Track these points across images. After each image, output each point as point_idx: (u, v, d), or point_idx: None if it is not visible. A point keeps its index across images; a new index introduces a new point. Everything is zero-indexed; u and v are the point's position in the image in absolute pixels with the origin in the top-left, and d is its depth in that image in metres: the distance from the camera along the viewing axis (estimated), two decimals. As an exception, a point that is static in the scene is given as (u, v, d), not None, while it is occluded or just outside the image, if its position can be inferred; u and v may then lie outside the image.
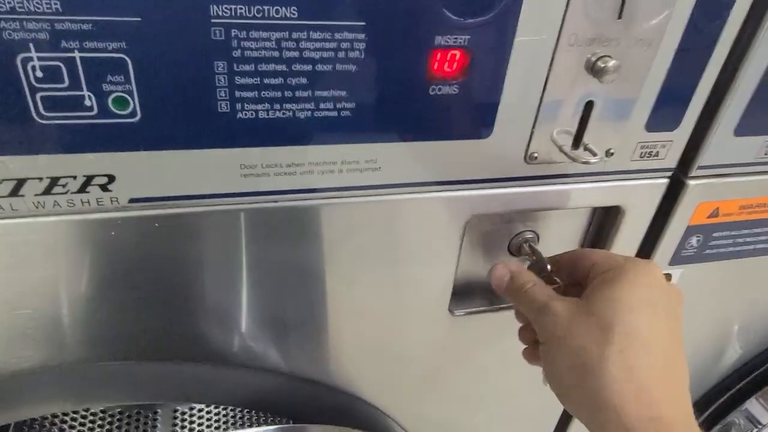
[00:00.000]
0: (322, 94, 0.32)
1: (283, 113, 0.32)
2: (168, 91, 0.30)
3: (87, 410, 0.59)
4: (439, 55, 0.32)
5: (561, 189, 0.41)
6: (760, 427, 0.68)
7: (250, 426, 0.57)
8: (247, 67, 0.30)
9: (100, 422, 0.59)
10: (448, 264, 0.42)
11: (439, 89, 0.33)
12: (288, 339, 0.43)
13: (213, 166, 0.33)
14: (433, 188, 0.38)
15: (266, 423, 0.58)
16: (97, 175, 0.31)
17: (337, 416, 0.50)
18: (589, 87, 0.36)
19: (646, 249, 0.48)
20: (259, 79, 0.30)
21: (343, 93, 0.32)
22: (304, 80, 0.31)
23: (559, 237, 0.46)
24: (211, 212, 0.34)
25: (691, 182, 0.43)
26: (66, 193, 0.31)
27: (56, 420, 0.57)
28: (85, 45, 0.27)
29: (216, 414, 0.61)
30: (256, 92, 0.31)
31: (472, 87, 0.34)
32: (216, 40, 0.29)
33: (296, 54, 0.30)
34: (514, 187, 0.39)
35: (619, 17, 0.33)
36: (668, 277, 0.50)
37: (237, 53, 0.29)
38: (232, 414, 0.60)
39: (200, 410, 0.61)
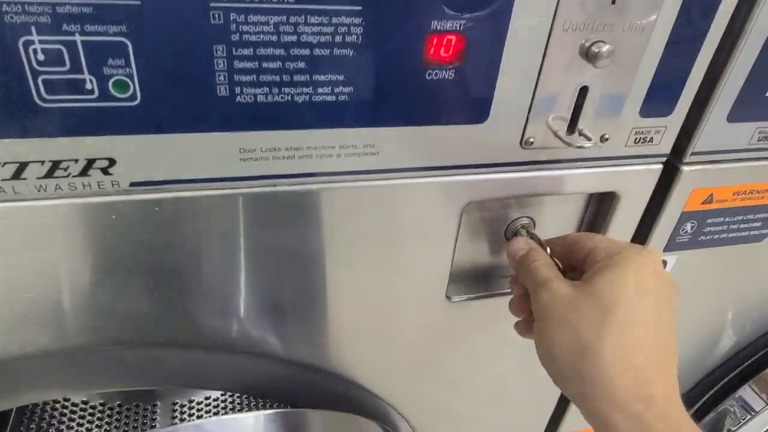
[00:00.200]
0: (320, 78, 0.32)
1: (282, 97, 0.32)
2: (168, 74, 0.30)
3: (86, 402, 0.60)
4: (435, 40, 0.33)
5: (557, 174, 0.41)
6: (753, 413, 0.68)
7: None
8: (245, 51, 0.30)
9: (99, 414, 0.60)
10: (445, 249, 0.43)
11: (436, 74, 0.34)
12: (286, 324, 0.43)
13: (212, 150, 0.33)
14: (431, 173, 0.38)
15: (264, 409, 0.58)
16: (98, 159, 0.32)
17: (334, 402, 0.51)
18: (584, 72, 0.36)
19: (641, 235, 0.48)
20: (257, 63, 0.31)
21: (341, 77, 0.33)
22: (302, 64, 0.31)
23: (555, 223, 0.46)
24: (210, 196, 0.35)
25: (686, 168, 0.44)
26: (67, 176, 0.32)
27: (55, 413, 0.58)
28: (86, 28, 0.28)
29: (215, 406, 0.61)
30: (255, 76, 0.31)
31: (468, 72, 0.34)
32: (215, 24, 0.29)
33: (294, 38, 0.31)
34: (511, 172, 0.40)
35: (613, 2, 0.34)
36: (663, 263, 0.51)
37: (236, 37, 0.30)
38: (231, 405, 0.61)
39: (198, 402, 0.62)
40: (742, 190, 0.47)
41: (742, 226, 0.50)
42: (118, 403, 0.61)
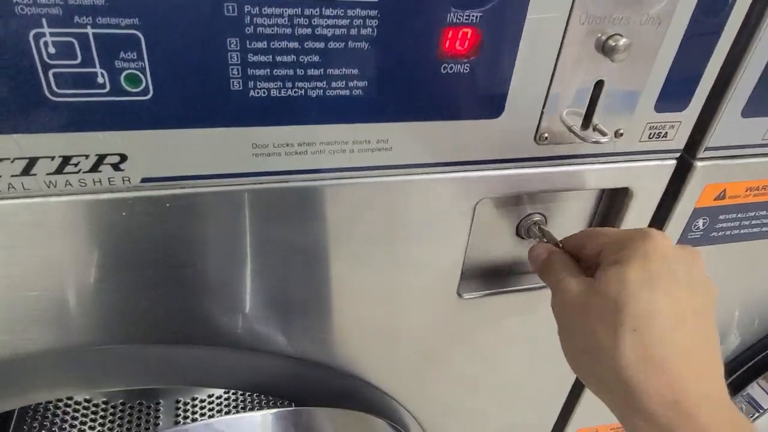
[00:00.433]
0: (334, 72, 0.32)
1: (295, 91, 0.32)
2: (180, 68, 0.29)
3: (89, 400, 0.59)
4: (450, 33, 0.32)
5: (570, 170, 0.41)
6: (762, 411, 0.68)
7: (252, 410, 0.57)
8: (259, 45, 0.30)
9: (102, 412, 0.60)
10: (457, 246, 0.42)
11: (451, 68, 0.33)
12: (297, 321, 0.43)
13: (225, 145, 0.33)
14: (444, 169, 0.38)
15: (268, 407, 0.58)
16: (110, 154, 0.31)
17: (343, 399, 0.50)
18: (600, 66, 0.36)
19: (653, 231, 0.48)
20: (271, 56, 0.30)
21: (355, 71, 0.32)
22: (316, 58, 0.31)
23: (566, 219, 0.46)
24: (222, 192, 0.34)
25: (699, 163, 0.43)
26: (78, 172, 0.31)
27: (58, 411, 0.57)
28: (98, 20, 0.27)
29: (218, 404, 0.61)
30: (269, 70, 0.31)
31: (484, 65, 0.34)
32: (229, 17, 0.28)
33: (309, 31, 0.30)
34: (524, 168, 0.39)
35: (631, -5, 0.33)
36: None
37: (250, 30, 0.29)
38: (234, 403, 0.60)
39: (202, 400, 0.62)
40: (755, 185, 0.47)
41: (754, 222, 0.50)
42: (121, 401, 0.61)
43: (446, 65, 0.33)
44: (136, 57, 0.28)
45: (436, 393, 0.54)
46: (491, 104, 0.36)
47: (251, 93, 0.31)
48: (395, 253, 0.41)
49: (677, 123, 0.40)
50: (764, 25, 0.37)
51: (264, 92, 0.31)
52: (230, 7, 0.28)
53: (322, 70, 0.31)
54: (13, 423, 0.54)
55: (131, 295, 0.37)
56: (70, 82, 0.28)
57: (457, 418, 0.58)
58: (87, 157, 0.31)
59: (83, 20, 0.27)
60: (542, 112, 0.37)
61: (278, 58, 0.30)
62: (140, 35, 0.28)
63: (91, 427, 0.57)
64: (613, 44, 0.34)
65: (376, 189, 0.37)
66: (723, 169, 0.45)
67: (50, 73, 0.28)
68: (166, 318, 0.39)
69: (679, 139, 0.42)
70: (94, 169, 0.31)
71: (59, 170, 0.31)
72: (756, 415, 0.69)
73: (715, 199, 0.46)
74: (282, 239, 0.38)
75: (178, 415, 0.61)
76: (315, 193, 0.36)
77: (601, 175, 0.42)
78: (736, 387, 0.70)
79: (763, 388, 0.68)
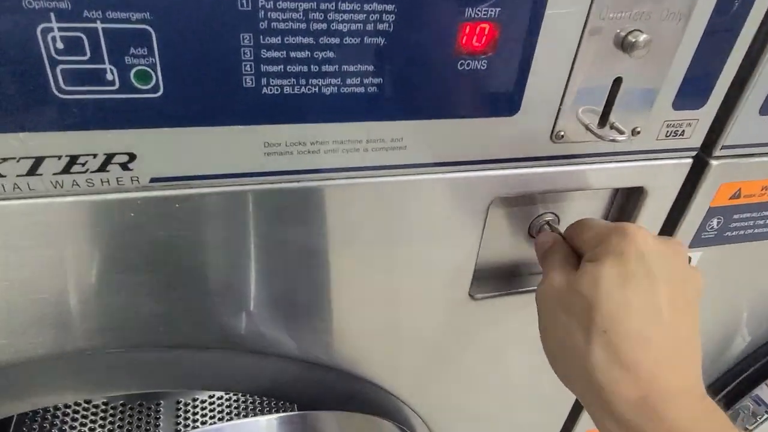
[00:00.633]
0: (349, 68, 0.31)
1: (309, 89, 0.31)
2: (192, 64, 0.29)
3: (89, 402, 0.58)
4: (468, 29, 0.31)
5: (586, 169, 0.40)
6: (771, 412, 0.68)
7: (254, 415, 0.57)
8: (273, 40, 0.29)
9: (102, 414, 0.59)
10: (470, 246, 0.42)
11: (468, 64, 0.33)
12: (307, 323, 0.42)
13: (236, 144, 0.32)
14: (459, 168, 0.37)
15: (270, 411, 0.57)
16: (118, 153, 0.30)
17: (351, 402, 0.50)
18: (618, 63, 0.35)
19: (666, 231, 0.47)
20: (285, 52, 0.29)
21: (371, 68, 0.31)
22: (331, 54, 0.30)
23: (579, 218, 0.45)
24: (233, 192, 0.34)
25: (715, 162, 0.43)
26: (85, 172, 0.30)
27: (58, 412, 0.56)
28: (108, 15, 0.26)
29: (219, 405, 0.60)
30: (283, 66, 0.30)
31: (501, 62, 0.33)
32: (243, 11, 0.28)
33: (324, 26, 0.29)
34: (540, 167, 0.39)
35: (652, -11, 0.33)
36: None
37: (264, 25, 0.28)
38: (235, 403, 0.60)
39: (203, 401, 0.61)
40: (770, 184, 0.46)
41: (768, 221, 0.49)
42: (121, 402, 0.60)
43: (463, 62, 0.32)
44: (146, 53, 0.28)
45: (445, 394, 0.54)
46: (508, 102, 0.35)
47: (264, 90, 0.30)
48: (408, 254, 0.40)
49: (695, 121, 0.40)
50: (784, 21, 0.36)
51: (277, 89, 0.30)
52: (244, 1, 0.27)
53: (336, 66, 0.31)
54: (13, 423, 0.53)
55: (138, 298, 0.36)
56: (78, 79, 0.27)
57: (465, 420, 0.57)
58: (95, 156, 0.30)
59: (93, 15, 0.26)
60: (559, 110, 0.36)
61: (292, 54, 0.30)
62: (151, 30, 0.27)
63: (91, 429, 0.56)
64: (633, 40, 0.33)
65: (390, 188, 0.36)
66: (738, 168, 0.44)
67: (58, 69, 0.27)
68: (174, 320, 0.38)
69: (696, 138, 0.41)
70: (102, 168, 0.30)
71: (66, 170, 0.30)
72: (766, 416, 0.69)
73: (729, 198, 0.46)
74: (294, 240, 0.37)
75: (179, 416, 0.60)
76: (328, 193, 0.35)
77: (616, 174, 0.41)
78: (744, 388, 0.69)
79: (772, 390, 0.68)
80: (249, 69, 0.29)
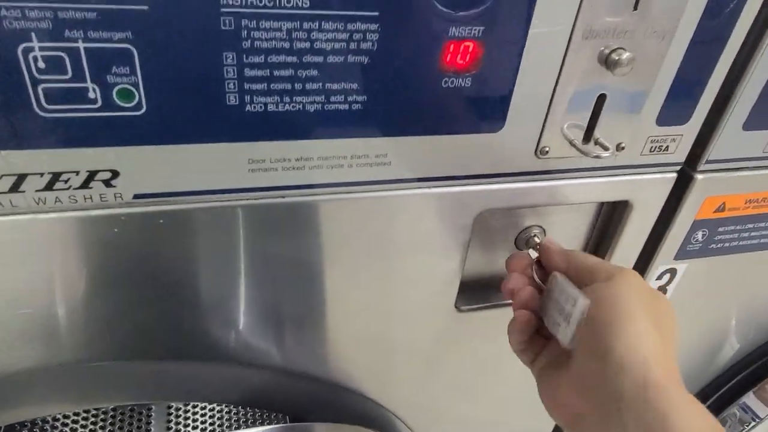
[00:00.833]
0: (333, 86, 0.31)
1: (293, 106, 0.31)
2: (175, 83, 0.29)
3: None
4: (452, 47, 0.32)
5: (571, 184, 0.40)
6: (758, 420, 0.68)
7: (246, 424, 0.57)
8: (256, 59, 0.29)
9: (93, 419, 0.58)
10: (455, 259, 0.42)
11: (452, 82, 0.33)
12: (296, 335, 0.42)
13: (220, 161, 0.32)
14: (443, 183, 0.37)
15: (260, 420, 0.57)
16: (101, 171, 0.30)
17: (339, 412, 0.50)
18: (602, 80, 0.35)
19: (652, 244, 0.47)
20: (268, 70, 0.29)
21: (355, 85, 0.31)
22: (314, 72, 0.30)
23: (565, 232, 0.45)
24: (217, 208, 0.34)
25: (699, 176, 0.43)
26: (68, 189, 0.30)
27: (48, 417, 0.56)
28: (90, 35, 0.26)
29: (210, 411, 0.60)
30: (266, 84, 0.30)
31: (485, 79, 0.33)
32: (226, 30, 0.28)
33: (307, 45, 0.29)
34: (524, 182, 0.39)
35: (635, 8, 0.33)
36: (672, 272, 0.50)
37: (247, 44, 0.28)
38: (227, 411, 0.60)
39: (194, 406, 0.61)
40: (754, 198, 0.46)
41: (753, 234, 0.49)
42: (112, 408, 0.60)
43: (447, 79, 0.32)
44: (128, 72, 0.28)
45: (433, 404, 0.54)
46: (492, 118, 0.35)
47: (248, 108, 0.30)
48: (394, 267, 0.40)
49: (679, 136, 0.40)
50: (766, 40, 0.37)
51: (261, 107, 0.30)
52: (227, 21, 0.27)
53: (320, 84, 0.31)
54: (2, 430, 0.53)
55: (124, 312, 0.36)
56: (60, 98, 0.27)
57: (453, 429, 0.58)
58: (77, 173, 0.30)
59: (74, 34, 0.26)
60: (543, 126, 0.36)
61: (276, 73, 0.30)
62: (133, 49, 0.27)
63: (82, 434, 0.56)
64: (617, 58, 0.34)
65: (375, 204, 0.37)
66: (723, 182, 0.44)
67: (39, 88, 0.27)
68: (160, 334, 0.38)
69: (680, 153, 0.41)
70: (85, 185, 0.30)
71: (49, 187, 0.30)
72: (753, 424, 0.69)
73: (714, 212, 0.46)
74: (279, 255, 0.37)
75: (170, 421, 0.60)
76: (312, 209, 0.35)
77: (601, 189, 0.41)
78: (732, 395, 0.70)
79: (758, 398, 0.68)
80: (232, 87, 0.29)
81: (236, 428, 0.55)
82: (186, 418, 0.59)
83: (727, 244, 0.49)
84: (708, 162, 0.42)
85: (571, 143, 0.37)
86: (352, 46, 0.30)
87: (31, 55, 0.26)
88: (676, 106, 0.38)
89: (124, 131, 0.29)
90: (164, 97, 0.29)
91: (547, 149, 0.37)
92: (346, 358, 0.46)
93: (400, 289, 0.42)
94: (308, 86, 0.31)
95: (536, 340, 0.38)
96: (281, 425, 0.47)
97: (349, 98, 0.32)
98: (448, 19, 0.30)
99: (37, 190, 0.30)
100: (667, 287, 0.51)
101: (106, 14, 0.26)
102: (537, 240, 0.44)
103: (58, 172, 0.30)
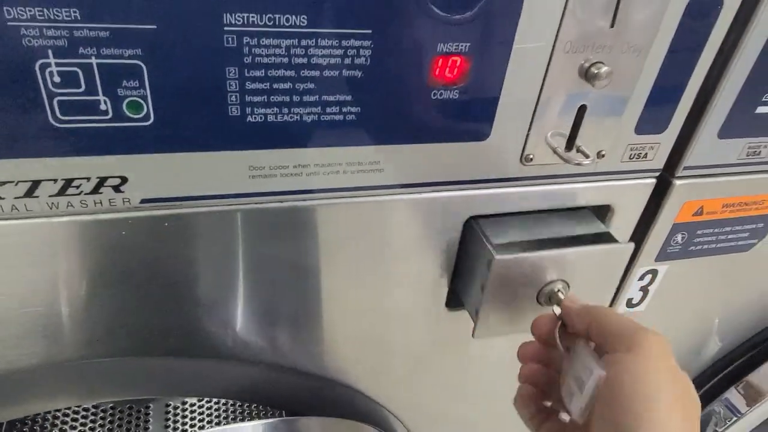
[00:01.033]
0: (329, 98, 0.33)
1: (291, 117, 0.33)
2: (181, 95, 0.30)
3: (79, 405, 0.60)
4: (440, 62, 0.34)
5: (555, 189, 0.42)
6: (740, 415, 0.70)
7: (243, 419, 0.58)
8: (257, 73, 0.31)
9: (92, 417, 0.60)
10: (446, 261, 0.44)
11: (441, 93, 0.35)
12: (294, 333, 0.44)
13: (222, 168, 0.34)
14: (433, 188, 0.39)
15: (257, 416, 0.59)
16: (110, 177, 0.32)
17: (336, 408, 0.51)
18: (583, 91, 0.37)
19: (634, 246, 0.49)
20: (268, 84, 0.31)
21: (349, 97, 0.33)
22: (311, 85, 0.32)
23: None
24: (219, 212, 0.36)
25: (678, 182, 0.45)
26: (79, 194, 0.32)
27: (48, 415, 0.58)
28: (102, 51, 0.28)
29: (208, 409, 0.62)
30: (266, 97, 0.32)
31: (472, 91, 0.35)
32: (228, 47, 0.30)
33: (305, 60, 0.31)
34: (510, 187, 0.41)
35: (612, 26, 0.35)
36: (654, 273, 0.52)
37: (248, 59, 0.30)
38: (224, 407, 0.61)
39: (192, 404, 0.62)
40: (731, 202, 0.49)
41: (730, 236, 0.52)
42: (111, 405, 0.61)
43: (436, 91, 0.35)
44: (138, 85, 0.30)
45: (426, 402, 0.56)
46: (479, 128, 0.37)
47: (249, 118, 0.32)
48: (387, 269, 0.43)
49: (656, 144, 0.42)
50: (739, 53, 0.39)
51: (261, 118, 0.32)
52: (230, 39, 0.29)
53: (317, 96, 0.33)
54: (2, 429, 0.54)
55: (130, 310, 0.38)
56: (73, 109, 0.29)
57: (445, 425, 0.60)
58: (89, 179, 0.32)
59: (88, 51, 0.28)
60: (528, 135, 0.38)
61: (275, 86, 0.32)
62: (142, 65, 0.29)
63: None
64: (596, 71, 0.36)
65: (368, 208, 0.39)
66: (700, 187, 0.46)
67: (55, 100, 0.29)
68: (164, 331, 0.40)
69: (658, 159, 0.43)
70: (95, 190, 0.32)
71: (61, 192, 0.32)
72: (734, 419, 0.72)
73: (693, 215, 0.48)
74: (277, 257, 0.39)
75: (168, 419, 0.61)
76: (309, 213, 0.37)
77: (583, 193, 0.43)
78: (715, 392, 0.72)
79: (740, 394, 0.70)
80: (234, 99, 0.31)
81: (234, 422, 0.56)
82: (184, 410, 0.61)
83: (705, 246, 0.52)
84: (686, 168, 0.45)
85: (554, 151, 0.39)
86: (347, 61, 0.32)
87: (47, 71, 0.28)
88: (653, 116, 0.40)
89: (132, 140, 0.31)
90: (171, 109, 0.31)
91: (531, 157, 0.40)
92: (341, 356, 0.48)
93: (393, 290, 0.44)
94: (305, 98, 0.33)
95: (543, 409, 0.37)
96: (277, 419, 0.48)
97: (344, 109, 0.34)
98: (436, 36, 0.33)
99: (50, 196, 0.32)
100: (649, 288, 0.53)
101: (117, 33, 0.28)
102: (561, 296, 0.40)
103: (70, 179, 0.32)
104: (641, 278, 0.52)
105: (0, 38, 0.26)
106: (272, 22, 0.29)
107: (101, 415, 0.60)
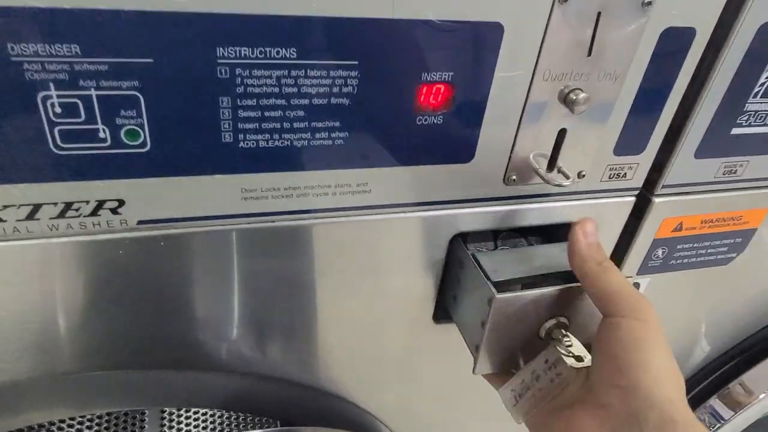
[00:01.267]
0: (318, 125, 0.35)
1: (282, 142, 0.35)
2: (176, 123, 0.32)
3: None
4: (425, 89, 0.35)
5: (537, 207, 0.44)
6: (723, 421, 0.72)
7: (238, 429, 0.60)
8: (249, 102, 0.32)
9: (88, 423, 0.61)
10: (431, 276, 0.45)
11: (425, 119, 0.36)
12: (286, 346, 0.45)
13: (216, 191, 0.35)
14: (420, 208, 0.41)
15: (252, 425, 0.60)
16: (108, 200, 0.34)
17: (328, 418, 0.53)
18: (562, 116, 0.39)
19: (616, 260, 0.51)
20: (260, 112, 0.33)
21: (337, 123, 0.35)
22: (301, 113, 0.34)
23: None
24: (213, 232, 0.37)
25: (657, 200, 0.47)
26: (79, 216, 0.34)
27: (45, 423, 0.59)
28: (101, 83, 0.30)
29: (203, 413, 0.63)
30: (257, 124, 0.33)
31: (456, 117, 0.37)
32: (221, 78, 0.31)
33: (294, 90, 0.33)
34: (494, 206, 0.42)
35: (589, 55, 0.36)
36: (636, 285, 0.54)
37: (240, 89, 0.32)
38: (218, 416, 0.62)
39: (186, 410, 0.63)
40: (709, 218, 0.50)
41: (709, 251, 0.53)
42: (107, 412, 0.62)
43: (421, 117, 0.36)
44: (135, 114, 0.31)
45: (416, 411, 0.57)
46: (463, 151, 0.39)
47: (241, 144, 0.34)
48: (376, 284, 0.44)
49: (635, 165, 0.44)
50: (712, 78, 0.41)
51: (253, 144, 0.34)
52: (223, 70, 0.31)
53: (306, 123, 0.34)
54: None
55: (127, 325, 0.40)
56: (73, 138, 0.31)
57: (434, 433, 0.61)
58: (87, 202, 0.33)
59: (87, 83, 0.29)
60: (510, 157, 0.40)
61: (266, 114, 0.33)
62: (140, 95, 0.31)
63: (77, 439, 0.58)
64: (574, 98, 0.37)
65: (357, 227, 0.40)
66: (679, 204, 0.48)
67: (56, 129, 0.30)
68: (160, 345, 0.42)
69: (637, 179, 0.45)
70: (94, 213, 0.34)
71: (61, 215, 0.33)
72: (717, 426, 0.73)
73: (672, 231, 0.50)
74: (270, 273, 0.40)
75: (163, 426, 0.63)
76: (299, 232, 0.39)
77: (566, 211, 0.45)
78: (699, 399, 0.74)
79: (722, 403, 0.72)
80: (227, 126, 0.33)
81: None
82: (179, 417, 0.62)
83: (686, 260, 0.53)
84: (664, 187, 0.46)
85: (536, 172, 0.41)
86: (335, 90, 0.33)
87: (49, 102, 0.29)
88: (630, 138, 0.42)
89: (130, 166, 0.33)
90: (167, 136, 0.32)
91: (514, 177, 0.41)
92: (333, 367, 0.49)
93: (383, 304, 0.46)
94: (295, 125, 0.34)
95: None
96: (270, 430, 0.50)
97: (332, 135, 0.35)
98: (420, 65, 0.34)
99: (50, 218, 0.33)
100: (631, 300, 0.55)
101: (115, 66, 0.29)
102: (560, 334, 0.40)
103: (70, 202, 0.33)
104: (624, 291, 0.54)
105: (5, 72, 0.28)
106: (263, 54, 0.31)
107: (97, 422, 0.61)
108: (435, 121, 0.37)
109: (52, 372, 0.40)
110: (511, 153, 0.40)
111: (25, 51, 0.28)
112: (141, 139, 0.32)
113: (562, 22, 0.35)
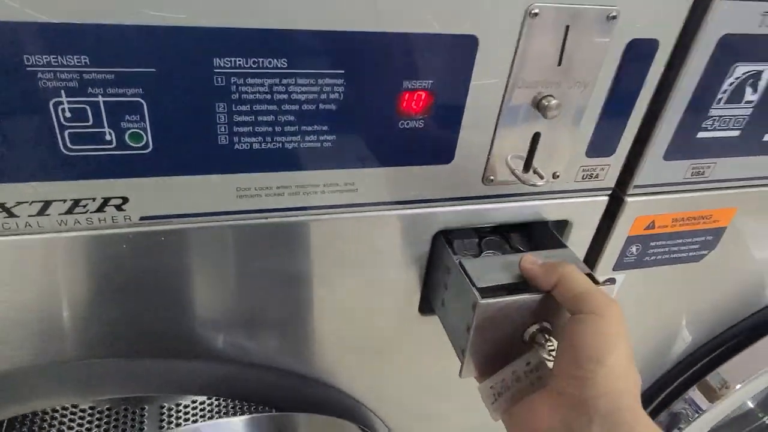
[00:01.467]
0: (307, 128, 0.37)
1: (274, 144, 0.37)
2: (176, 127, 0.35)
3: (75, 406, 0.63)
4: (407, 96, 0.38)
5: (515, 206, 0.47)
6: (701, 411, 0.75)
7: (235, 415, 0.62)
8: (243, 108, 0.35)
9: (89, 418, 0.64)
10: (416, 271, 0.48)
11: (407, 123, 0.39)
12: (278, 338, 0.48)
13: (213, 189, 0.38)
14: (403, 206, 0.44)
15: (249, 412, 0.63)
16: (113, 197, 0.36)
17: (319, 406, 0.56)
18: (536, 121, 0.42)
19: (592, 257, 0.54)
20: (253, 117, 0.36)
21: (325, 127, 0.38)
22: (291, 117, 0.37)
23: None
24: (210, 228, 0.40)
25: (629, 199, 0.50)
26: (86, 212, 0.36)
27: (46, 416, 0.61)
28: (108, 91, 0.32)
29: (201, 409, 0.65)
30: (251, 128, 0.36)
31: (436, 121, 0.40)
32: (218, 86, 0.34)
33: (285, 96, 0.36)
34: (474, 204, 0.45)
35: (559, 64, 0.39)
36: (612, 281, 0.57)
37: (235, 96, 0.35)
38: (216, 408, 0.65)
39: (186, 405, 0.66)
40: (680, 217, 0.53)
41: (682, 248, 0.56)
42: (107, 406, 0.65)
43: (403, 121, 0.39)
44: (139, 119, 0.34)
45: (404, 399, 0.60)
46: (443, 153, 0.42)
47: (236, 146, 0.37)
48: (363, 277, 0.47)
49: (606, 166, 0.47)
50: (677, 85, 0.43)
51: (247, 146, 0.37)
52: (219, 79, 0.34)
53: (296, 127, 0.37)
54: (3, 429, 0.58)
55: (129, 315, 0.43)
56: (82, 140, 0.34)
57: (421, 421, 0.64)
58: (94, 199, 0.36)
59: (95, 91, 0.32)
60: (488, 159, 0.43)
61: (259, 118, 0.36)
62: (143, 102, 0.33)
63: (77, 432, 0.61)
64: (546, 104, 0.40)
65: (345, 223, 0.43)
66: (651, 203, 0.51)
67: (66, 132, 0.33)
68: (161, 335, 0.44)
69: (609, 179, 0.48)
70: (100, 209, 0.37)
71: (70, 211, 0.36)
72: (696, 416, 0.76)
73: (645, 229, 0.53)
74: (264, 267, 0.43)
75: (162, 420, 0.65)
76: (290, 228, 0.42)
77: (542, 210, 0.48)
78: (678, 390, 0.77)
79: (700, 393, 0.75)
80: (223, 130, 0.36)
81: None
82: (178, 411, 0.65)
83: (659, 257, 0.56)
84: (636, 187, 0.49)
85: (513, 173, 0.44)
86: (323, 96, 0.36)
87: (60, 107, 0.32)
88: (601, 141, 0.45)
89: (133, 166, 0.35)
90: (167, 139, 0.35)
91: (492, 178, 0.44)
92: (323, 357, 0.52)
93: (370, 296, 0.49)
94: (286, 129, 0.37)
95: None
96: (264, 414, 0.53)
97: (321, 138, 0.38)
98: (402, 74, 0.37)
99: (60, 214, 0.36)
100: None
101: (121, 75, 0.32)
102: (543, 338, 0.42)
103: (78, 199, 0.36)
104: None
105: (20, 80, 0.31)
106: (256, 64, 0.34)
107: (97, 415, 0.64)
108: (417, 125, 0.39)
109: (56, 359, 0.43)
110: (488, 155, 0.43)
111: (39, 62, 0.30)
112: (144, 142, 0.35)
113: (533, 35, 0.38)
